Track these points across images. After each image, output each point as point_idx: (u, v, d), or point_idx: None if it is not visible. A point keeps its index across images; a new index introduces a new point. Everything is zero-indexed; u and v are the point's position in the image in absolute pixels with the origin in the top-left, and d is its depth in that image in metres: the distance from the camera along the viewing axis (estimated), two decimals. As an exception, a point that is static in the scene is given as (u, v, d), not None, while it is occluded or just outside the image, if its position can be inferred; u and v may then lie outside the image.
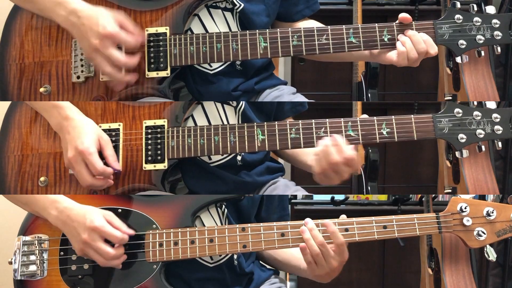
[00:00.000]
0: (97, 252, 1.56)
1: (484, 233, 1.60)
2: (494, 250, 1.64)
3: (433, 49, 1.59)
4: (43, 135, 1.66)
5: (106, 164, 1.57)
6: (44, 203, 1.61)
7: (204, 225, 1.66)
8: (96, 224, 1.55)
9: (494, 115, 1.57)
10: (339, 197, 3.54)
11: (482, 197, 2.89)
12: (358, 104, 3.33)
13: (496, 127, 1.57)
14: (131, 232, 1.59)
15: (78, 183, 1.61)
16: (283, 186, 1.79)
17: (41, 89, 1.66)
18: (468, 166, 2.87)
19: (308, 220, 1.58)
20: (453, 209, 1.63)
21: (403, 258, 3.73)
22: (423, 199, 3.24)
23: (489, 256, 1.63)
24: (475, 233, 1.61)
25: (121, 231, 1.58)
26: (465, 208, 1.62)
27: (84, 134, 1.56)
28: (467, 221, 1.61)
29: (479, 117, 1.57)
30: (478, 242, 1.61)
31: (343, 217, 1.60)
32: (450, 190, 3.03)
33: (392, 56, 1.62)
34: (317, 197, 3.63)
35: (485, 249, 1.63)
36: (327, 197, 3.57)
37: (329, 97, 3.89)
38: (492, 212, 1.60)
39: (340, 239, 1.56)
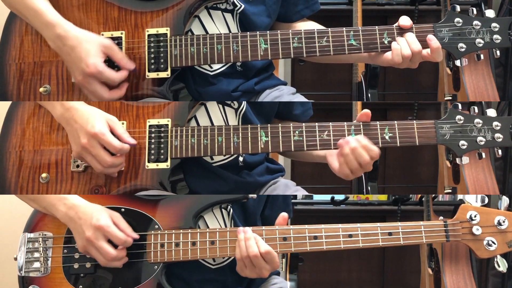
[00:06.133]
0: (99, 251, 1.57)
1: (495, 243, 1.57)
2: (506, 260, 1.59)
3: (440, 57, 1.59)
4: (45, 131, 1.66)
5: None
6: (53, 199, 1.62)
7: (207, 226, 1.67)
8: (102, 223, 1.56)
9: (495, 123, 1.57)
10: (339, 197, 3.55)
11: (489, 198, 2.88)
12: (358, 104, 3.33)
13: (497, 134, 1.57)
14: (136, 236, 1.60)
15: (80, 180, 1.62)
16: (283, 186, 1.79)
17: (41, 89, 1.66)
18: (468, 166, 2.87)
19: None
20: (462, 217, 1.60)
21: (403, 258, 3.73)
22: (423, 199, 3.24)
23: (499, 267, 1.58)
24: (484, 242, 1.58)
25: (125, 233, 1.58)
26: (475, 216, 1.59)
27: (93, 118, 1.56)
28: (477, 230, 1.58)
29: (480, 125, 1.58)
30: (488, 252, 1.57)
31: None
32: (450, 190, 3.03)
33: (388, 55, 1.62)
34: (317, 197, 3.64)
35: (495, 259, 1.59)
36: (327, 197, 3.58)
37: (329, 97, 3.90)
38: (504, 221, 1.57)
39: None
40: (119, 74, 1.60)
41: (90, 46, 1.57)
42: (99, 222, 1.56)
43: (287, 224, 1.61)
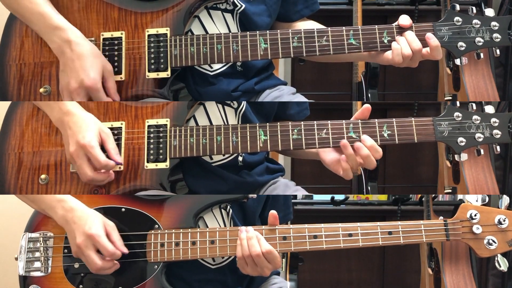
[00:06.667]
0: (86, 259, 1.58)
1: (495, 242, 1.57)
2: (507, 259, 1.59)
3: (439, 55, 1.59)
4: (44, 132, 1.67)
5: (108, 158, 1.57)
6: (51, 201, 1.62)
7: (207, 226, 1.67)
8: (93, 232, 1.56)
9: (493, 119, 1.57)
10: (339, 197, 3.55)
11: (489, 198, 2.88)
12: (358, 104, 3.33)
13: (495, 131, 1.57)
14: (125, 250, 1.59)
15: (79, 181, 1.62)
16: (283, 186, 1.79)
17: (41, 90, 1.66)
18: (468, 166, 2.87)
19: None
20: (463, 216, 1.60)
21: (403, 258, 3.73)
22: (423, 199, 3.24)
23: (500, 266, 1.57)
24: (485, 241, 1.57)
25: (115, 246, 1.58)
26: (475, 215, 1.58)
27: (85, 128, 1.56)
28: (477, 229, 1.58)
29: (478, 121, 1.58)
30: (489, 251, 1.57)
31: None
32: (450, 190, 3.03)
33: (388, 54, 1.62)
34: (317, 197, 3.64)
35: (496, 258, 1.58)
36: (327, 197, 3.58)
37: (329, 97, 3.90)
38: (504, 220, 1.57)
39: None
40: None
41: (96, 62, 1.58)
42: (90, 230, 1.56)
43: (287, 224, 1.61)
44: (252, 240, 1.56)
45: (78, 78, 1.56)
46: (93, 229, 1.56)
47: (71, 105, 1.61)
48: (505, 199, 1.64)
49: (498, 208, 1.62)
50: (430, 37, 1.59)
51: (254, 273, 1.59)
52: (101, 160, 1.55)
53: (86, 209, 1.60)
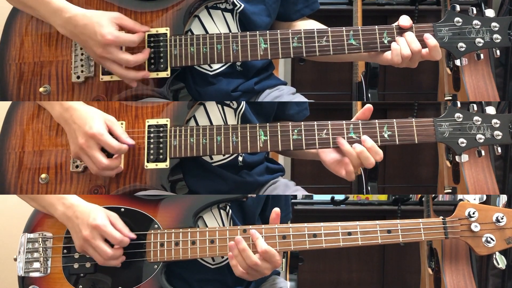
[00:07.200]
0: (96, 250, 1.57)
1: (493, 240, 1.57)
2: (505, 257, 1.59)
3: (439, 55, 1.59)
4: (45, 132, 1.67)
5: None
6: (51, 198, 1.63)
7: (206, 226, 1.67)
8: (98, 222, 1.56)
9: (494, 120, 1.57)
10: (339, 197, 3.55)
11: (488, 198, 2.88)
12: (358, 104, 3.33)
13: (496, 132, 1.57)
14: (132, 235, 1.60)
15: (79, 181, 1.62)
16: (283, 186, 1.79)
17: (41, 89, 1.66)
18: (468, 166, 2.87)
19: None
20: (461, 214, 1.60)
21: (403, 258, 3.73)
22: (423, 199, 3.24)
23: (498, 264, 1.58)
24: (483, 239, 1.58)
25: (122, 233, 1.59)
26: (473, 213, 1.59)
27: (91, 119, 1.56)
28: (475, 227, 1.58)
29: (479, 122, 1.58)
30: (487, 249, 1.58)
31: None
32: (450, 190, 3.03)
33: (387, 55, 1.62)
34: (317, 197, 3.64)
35: (494, 256, 1.60)
36: (327, 197, 3.58)
37: (329, 97, 3.90)
38: (502, 218, 1.58)
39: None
40: (136, 35, 1.60)
41: (101, 19, 1.57)
42: (95, 221, 1.56)
43: (287, 223, 1.62)
44: (246, 252, 1.55)
45: (96, 43, 1.56)
46: (98, 220, 1.57)
47: (72, 102, 1.61)
48: (503, 198, 1.64)
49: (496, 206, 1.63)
50: (428, 37, 1.59)
51: (255, 278, 1.58)
52: (114, 145, 1.55)
53: (86, 203, 1.61)
